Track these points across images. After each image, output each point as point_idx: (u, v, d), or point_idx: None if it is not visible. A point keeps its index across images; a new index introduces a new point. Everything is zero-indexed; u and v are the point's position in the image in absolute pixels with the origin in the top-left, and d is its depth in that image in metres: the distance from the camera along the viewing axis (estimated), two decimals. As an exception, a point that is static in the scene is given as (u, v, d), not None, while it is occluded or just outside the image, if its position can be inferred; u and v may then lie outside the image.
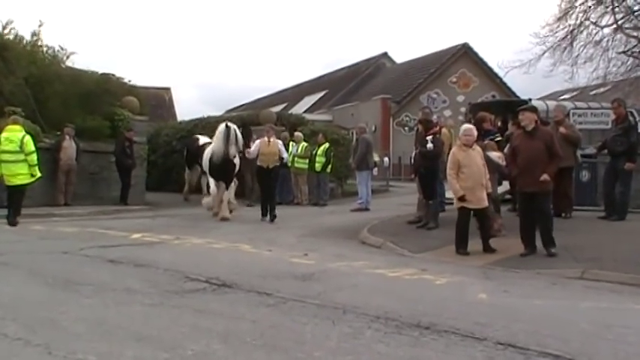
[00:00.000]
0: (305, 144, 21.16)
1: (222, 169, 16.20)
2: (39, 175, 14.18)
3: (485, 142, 11.94)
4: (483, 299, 7.59)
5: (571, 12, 26.13)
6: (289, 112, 36.10)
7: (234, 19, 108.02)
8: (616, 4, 25.79)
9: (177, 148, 26.14)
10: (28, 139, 13.90)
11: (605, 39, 26.31)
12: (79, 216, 16.40)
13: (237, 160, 16.39)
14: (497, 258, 10.52)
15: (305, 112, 39.40)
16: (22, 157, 13.73)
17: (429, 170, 13.46)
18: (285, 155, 17.23)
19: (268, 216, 15.78)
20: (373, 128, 35.56)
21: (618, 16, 25.99)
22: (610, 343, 5.72)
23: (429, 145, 13.27)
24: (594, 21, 26.28)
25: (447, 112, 36.13)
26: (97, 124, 19.61)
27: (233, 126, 16.16)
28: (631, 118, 13.96)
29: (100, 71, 21.59)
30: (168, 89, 43.94)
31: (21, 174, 13.83)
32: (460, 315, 6.46)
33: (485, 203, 11.00)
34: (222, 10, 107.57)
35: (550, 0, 29.35)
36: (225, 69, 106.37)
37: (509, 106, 17.16)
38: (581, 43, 26.39)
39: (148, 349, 5.08)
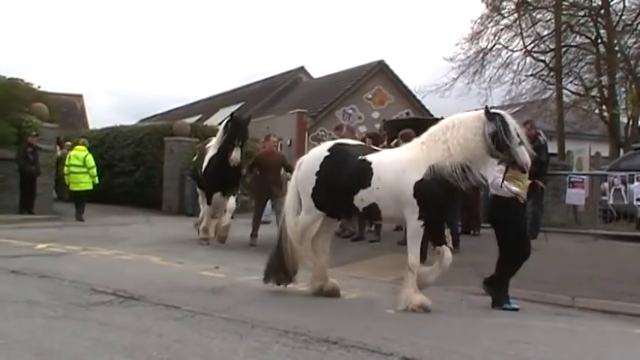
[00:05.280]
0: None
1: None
2: (97, 182, 19.21)
3: None
4: (391, 314, 7.68)
5: (482, 34, 27.00)
6: (204, 123, 35.77)
7: (150, 26, 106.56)
8: (525, 29, 26.77)
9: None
10: (89, 157, 19.20)
11: (516, 62, 27.29)
12: (-19, 225, 15.81)
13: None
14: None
15: (220, 124, 39.09)
16: (84, 170, 18.95)
17: None
18: None
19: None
20: (288, 142, 35.60)
21: (527, 41, 26.99)
22: (510, 358, 5.87)
23: None
24: (505, 44, 27.23)
25: (362, 128, 36.48)
26: (3, 131, 18.92)
27: None
28: (540, 138, 14.41)
29: (8, 76, 20.89)
30: (80, 96, 42.97)
31: (83, 182, 18.93)
32: (368, 330, 6.52)
33: None
34: (137, 17, 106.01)
35: (464, 21, 30.23)
36: (140, 78, 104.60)
37: (422, 124, 17.46)
38: (493, 65, 27.30)
39: (48, 364, 4.94)
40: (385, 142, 14.71)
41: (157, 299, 7.53)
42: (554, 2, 26.41)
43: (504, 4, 26.88)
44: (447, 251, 7.98)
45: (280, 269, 8.69)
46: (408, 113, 36.52)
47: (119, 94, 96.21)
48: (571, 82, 27.48)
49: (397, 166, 8.09)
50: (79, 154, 19.20)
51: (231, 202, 13.77)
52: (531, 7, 26.85)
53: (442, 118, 18.83)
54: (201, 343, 5.78)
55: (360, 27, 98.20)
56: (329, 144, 8.82)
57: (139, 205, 22.40)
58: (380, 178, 8.06)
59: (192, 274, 9.81)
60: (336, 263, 11.53)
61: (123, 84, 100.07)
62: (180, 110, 52.70)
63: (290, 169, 14.45)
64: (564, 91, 26.88)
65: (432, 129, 8.29)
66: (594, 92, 27.21)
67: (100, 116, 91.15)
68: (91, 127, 35.89)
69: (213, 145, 13.87)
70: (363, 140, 14.72)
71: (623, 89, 27.16)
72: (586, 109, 28.82)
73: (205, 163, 13.83)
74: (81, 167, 19.00)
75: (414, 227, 7.91)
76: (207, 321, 6.63)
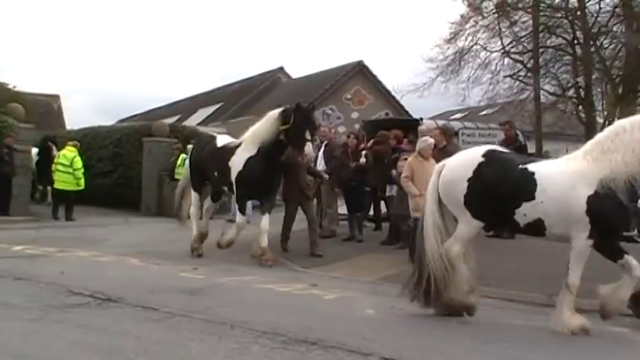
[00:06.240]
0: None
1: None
2: (82, 187, 19.46)
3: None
4: (371, 314, 7.68)
5: (461, 35, 27.10)
6: (183, 124, 35.64)
7: (128, 26, 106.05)
8: (503, 30, 26.91)
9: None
10: (77, 159, 19.47)
11: (494, 62, 27.43)
12: (-44, 226, 15.63)
13: None
14: (386, 274, 10.68)
15: (199, 124, 38.84)
16: (70, 170, 19.23)
17: (361, 183, 13.65)
18: None
19: None
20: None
21: (505, 41, 27.13)
22: (491, 357, 5.89)
23: (362, 160, 13.49)
24: (483, 45, 27.36)
25: (342, 129, 36.52)
26: (-22, 131, 18.72)
27: None
28: (520, 139, 14.50)
29: (-18, 76, 20.69)
30: (57, 97, 42.56)
31: (66, 182, 19.19)
32: (347, 330, 6.51)
33: None
34: (115, 17, 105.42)
35: (443, 23, 30.28)
36: (118, 78, 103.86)
37: (402, 124, 17.56)
38: (471, 66, 27.43)
39: (24, 367, 4.88)
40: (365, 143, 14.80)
41: (135, 301, 7.48)
42: (531, 3, 26.57)
43: (484, 4, 27.01)
44: (632, 260, 7.14)
45: (424, 290, 7.60)
46: (387, 113, 36.59)
47: (97, 94, 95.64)
48: (548, 82, 27.68)
49: (564, 180, 7.19)
50: (68, 154, 19.52)
51: (266, 221, 11.75)
52: (510, 8, 26.98)
53: (421, 119, 19.09)
54: (179, 344, 5.75)
55: (339, 28, 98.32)
56: (480, 149, 7.90)
57: (117, 206, 22.23)
58: (545, 190, 7.16)
59: (171, 276, 9.77)
60: (317, 264, 11.60)
61: (101, 84, 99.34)
62: (158, 111, 52.46)
63: (315, 174, 13.43)
64: (542, 91, 27.05)
65: (599, 137, 7.39)
66: (571, 93, 27.41)
67: (77, 117, 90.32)
68: (68, 127, 35.56)
69: (248, 143, 11.63)
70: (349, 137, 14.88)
71: (599, 90, 27.39)
72: (563, 110, 29.04)
73: (241, 166, 11.55)
74: (67, 167, 19.26)
75: (582, 246, 7.14)
76: (185, 322, 6.60)
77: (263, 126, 11.55)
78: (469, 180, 7.41)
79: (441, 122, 19.80)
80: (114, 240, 14.17)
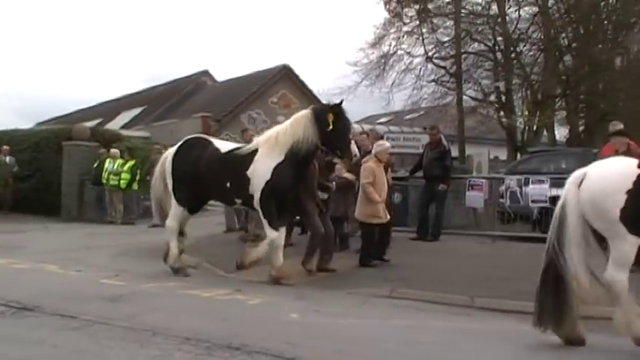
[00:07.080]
0: (121, 160, 20.59)
1: None
2: None
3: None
4: (295, 319, 7.65)
5: (385, 40, 27.41)
6: (105, 127, 34.99)
7: (46, 23, 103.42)
8: (426, 36, 27.33)
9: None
10: None
11: (417, 67, 27.83)
12: None
13: None
14: (311, 278, 10.69)
15: (122, 127, 38.25)
16: None
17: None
18: None
19: None
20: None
21: (428, 47, 27.55)
22: (408, 358, 5.96)
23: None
24: (406, 50, 27.73)
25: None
26: None
27: None
28: (445, 143, 14.74)
29: None
30: (-28, 99, 41.37)
31: None
32: (271, 335, 6.46)
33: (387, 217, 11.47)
34: (32, 15, 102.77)
35: (368, 27, 30.60)
36: (37, 79, 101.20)
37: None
38: (395, 70, 27.76)
39: None
40: None
41: (52, 309, 7.27)
42: (453, 10, 27.06)
43: (406, 10, 27.35)
44: None
45: (563, 316, 6.72)
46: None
47: (14, 96, 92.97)
48: (470, 87, 28.24)
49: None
50: None
51: (282, 236, 10.47)
52: (432, 14, 27.41)
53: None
54: (98, 353, 5.62)
55: (263, 31, 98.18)
56: (629, 159, 7.09)
57: (36, 212, 21.65)
58: None
59: (91, 283, 9.56)
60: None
61: (18, 86, 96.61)
62: (79, 113, 51.31)
63: (321, 185, 12.83)
64: (464, 96, 27.58)
65: None
66: (492, 98, 28.03)
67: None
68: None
69: (270, 149, 10.21)
70: None
71: (519, 95, 28.09)
72: (484, 115, 29.67)
73: (269, 175, 10.07)
74: None
75: None
76: (105, 330, 6.44)
77: (294, 130, 10.15)
78: (629, 192, 6.58)
79: (367, 127, 19.95)
80: (32, 246, 13.79)
